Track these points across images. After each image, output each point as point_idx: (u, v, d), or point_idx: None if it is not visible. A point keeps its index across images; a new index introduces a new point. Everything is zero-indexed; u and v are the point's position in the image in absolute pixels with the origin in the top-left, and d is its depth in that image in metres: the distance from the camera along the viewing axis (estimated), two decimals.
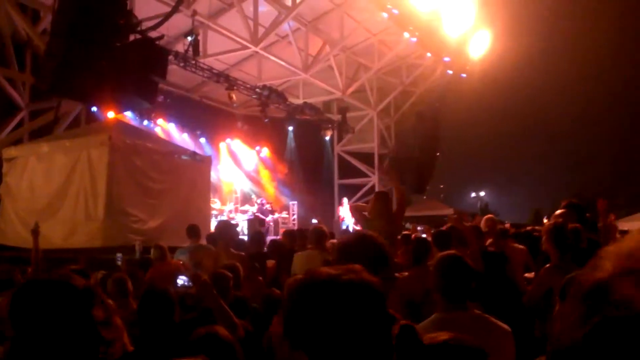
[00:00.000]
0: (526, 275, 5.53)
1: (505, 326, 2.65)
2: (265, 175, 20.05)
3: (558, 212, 5.05)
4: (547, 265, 3.84)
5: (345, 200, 18.16)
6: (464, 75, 18.18)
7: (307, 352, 1.07)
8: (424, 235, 7.17)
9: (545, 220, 10.45)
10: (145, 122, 15.32)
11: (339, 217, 17.45)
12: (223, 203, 16.78)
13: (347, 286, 1.08)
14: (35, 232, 5.14)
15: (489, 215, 7.18)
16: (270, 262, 6.20)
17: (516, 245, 6.07)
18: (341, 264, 1.89)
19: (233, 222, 14.18)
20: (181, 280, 3.30)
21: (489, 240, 5.92)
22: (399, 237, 5.75)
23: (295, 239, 6.36)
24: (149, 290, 3.14)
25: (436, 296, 2.70)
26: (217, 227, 6.97)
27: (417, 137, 19.78)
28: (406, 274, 4.41)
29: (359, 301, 1.08)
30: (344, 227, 16.62)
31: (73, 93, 9.50)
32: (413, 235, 8.13)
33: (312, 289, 1.11)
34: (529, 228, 8.29)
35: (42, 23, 12.58)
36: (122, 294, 4.09)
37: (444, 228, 5.47)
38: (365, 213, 5.03)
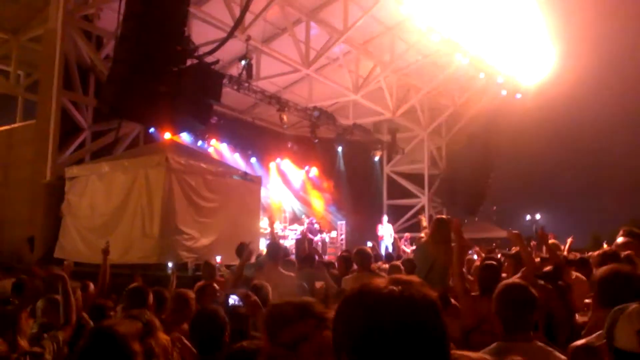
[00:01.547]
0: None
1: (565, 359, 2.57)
2: (313, 195, 20.14)
3: (621, 240, 4.78)
4: None
5: (384, 218, 17.88)
6: (519, 95, 17.78)
7: None
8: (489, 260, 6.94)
9: (605, 246, 9.94)
10: (200, 143, 15.77)
11: (378, 236, 17.11)
12: (272, 222, 16.90)
13: (408, 301, 1.03)
14: (105, 252, 5.38)
15: (553, 241, 6.89)
16: (319, 284, 6.19)
17: (578, 274, 5.80)
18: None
19: (282, 241, 14.30)
20: (232, 299, 3.33)
21: (548, 267, 5.69)
22: None
23: (350, 264, 6.32)
24: (200, 311, 3.18)
25: (497, 325, 2.64)
26: (267, 248, 7.06)
27: (469, 158, 19.46)
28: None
29: (420, 316, 1.02)
30: (383, 246, 16.34)
31: (133, 115, 9.94)
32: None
33: (372, 302, 1.04)
34: (587, 255, 7.91)
35: (105, 49, 13.24)
36: (181, 311, 4.06)
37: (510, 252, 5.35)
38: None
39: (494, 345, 2.52)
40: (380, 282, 1.07)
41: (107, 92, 9.27)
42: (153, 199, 10.49)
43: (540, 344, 2.56)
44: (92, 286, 5.45)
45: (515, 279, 3.53)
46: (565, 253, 8.16)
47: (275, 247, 6.19)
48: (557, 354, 2.53)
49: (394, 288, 1.04)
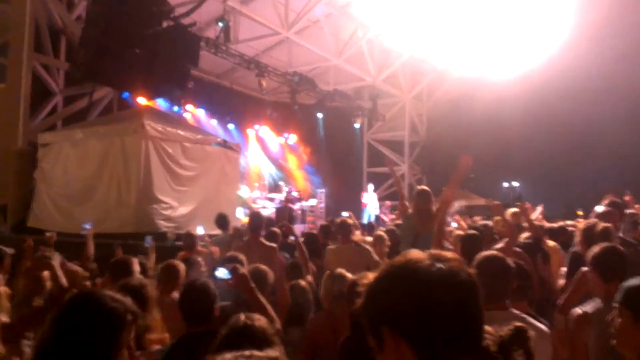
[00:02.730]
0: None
1: (544, 327, 2.64)
2: (293, 163, 19.99)
3: (602, 210, 4.81)
4: (583, 269, 3.66)
5: (370, 186, 17.89)
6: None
7: (411, 340, 1.06)
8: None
9: (579, 213, 10.06)
10: (175, 108, 15.39)
11: (361, 203, 17.13)
12: (251, 190, 16.80)
13: (456, 279, 1.10)
14: (89, 235, 5.37)
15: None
16: None
17: (555, 244, 5.86)
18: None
19: (262, 210, 14.21)
20: (220, 272, 3.24)
21: (527, 236, 5.73)
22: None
23: (329, 233, 6.28)
24: (190, 283, 3.11)
25: None
26: (249, 218, 6.94)
27: (450, 125, 19.45)
28: None
29: (467, 294, 1.10)
30: (366, 214, 16.36)
31: (106, 79, 9.60)
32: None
33: (422, 279, 1.09)
34: (561, 223, 8.00)
35: (77, 10, 12.69)
36: (171, 282, 4.04)
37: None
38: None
39: None
40: (423, 257, 1.13)
41: (79, 55, 8.90)
42: (129, 167, 10.26)
43: (515, 311, 2.65)
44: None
45: (493, 250, 3.55)
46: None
47: (256, 217, 6.06)
48: (531, 320, 2.64)
49: (441, 266, 1.10)
